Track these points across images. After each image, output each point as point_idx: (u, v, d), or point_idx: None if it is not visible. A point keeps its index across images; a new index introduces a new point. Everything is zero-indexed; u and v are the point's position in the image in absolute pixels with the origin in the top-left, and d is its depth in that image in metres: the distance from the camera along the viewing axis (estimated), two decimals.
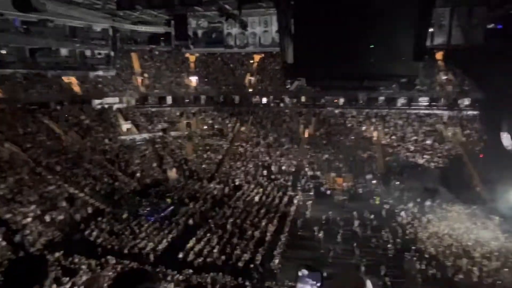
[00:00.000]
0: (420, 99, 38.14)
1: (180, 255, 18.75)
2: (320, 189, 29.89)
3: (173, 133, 39.71)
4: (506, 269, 17.62)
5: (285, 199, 27.51)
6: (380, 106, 39.24)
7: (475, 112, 35.58)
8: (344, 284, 1.96)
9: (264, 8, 21.75)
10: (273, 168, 33.94)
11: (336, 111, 40.20)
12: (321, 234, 21.09)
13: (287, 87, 44.31)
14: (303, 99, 42.09)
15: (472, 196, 26.81)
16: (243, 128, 40.40)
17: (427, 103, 37.92)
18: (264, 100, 43.43)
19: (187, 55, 44.37)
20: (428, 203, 25.99)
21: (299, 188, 30.06)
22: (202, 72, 44.77)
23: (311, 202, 26.90)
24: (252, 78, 44.17)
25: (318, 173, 32.55)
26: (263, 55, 43.92)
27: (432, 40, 26.48)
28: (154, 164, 33.99)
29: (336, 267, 17.36)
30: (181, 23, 21.14)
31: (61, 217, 22.22)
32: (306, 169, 33.36)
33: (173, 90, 43.06)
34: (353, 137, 36.78)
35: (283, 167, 33.99)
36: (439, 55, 37.19)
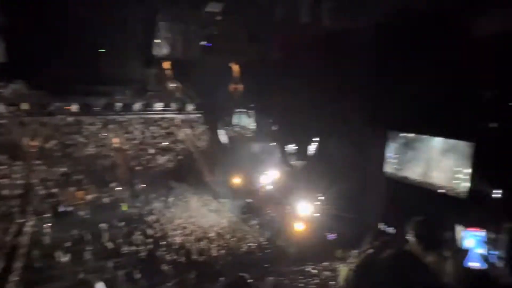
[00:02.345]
0: (155, 104, 40.67)
1: None
2: (59, 207, 26.16)
3: None
4: (234, 239, 22.01)
5: (12, 229, 22.18)
6: (118, 112, 38.69)
7: (199, 115, 41.74)
8: None
9: None
10: None
11: (70, 119, 36.19)
12: (65, 258, 18.58)
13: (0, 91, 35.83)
14: (25, 106, 35.06)
15: (204, 186, 31.50)
16: None
17: (162, 108, 40.96)
18: None
19: None
20: (171, 199, 28.31)
21: (31, 212, 25.00)
22: None
23: (49, 225, 23.05)
24: None
25: (54, 190, 28.28)
26: None
27: (160, 50, 28.94)
28: None
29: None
30: None
31: None
32: (38, 188, 28.22)
33: None
34: (92, 146, 34.42)
35: (5, 191, 27.22)
36: (166, 64, 40.88)
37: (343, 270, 1.18)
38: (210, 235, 22.49)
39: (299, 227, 23.45)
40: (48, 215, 24.88)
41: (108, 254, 19.43)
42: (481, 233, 1.64)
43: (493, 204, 14.94)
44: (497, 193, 15.23)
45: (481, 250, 1.58)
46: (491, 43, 14.41)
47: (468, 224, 1.54)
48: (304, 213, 23.88)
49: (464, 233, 1.62)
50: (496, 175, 14.90)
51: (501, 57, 14.28)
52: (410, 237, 1.95)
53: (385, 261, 1.05)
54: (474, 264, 1.53)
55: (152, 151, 35.92)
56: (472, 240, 1.60)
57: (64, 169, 30.67)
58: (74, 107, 37.04)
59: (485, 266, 1.51)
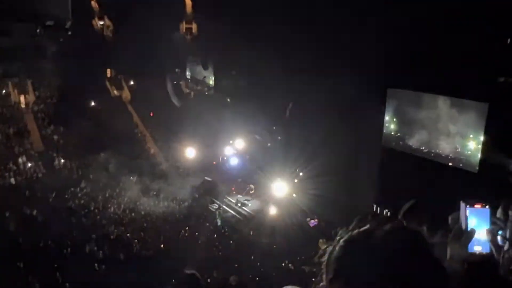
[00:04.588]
0: None
1: None
2: None
3: None
4: (188, 228, 22.34)
5: None
6: (26, 58, 36.56)
7: (139, 65, 40.39)
8: None
9: None
10: None
11: None
12: None
13: None
14: None
15: (147, 160, 30.95)
16: None
17: None
18: None
19: None
20: (101, 178, 27.51)
21: None
22: None
23: None
24: None
25: None
26: None
27: None
28: None
29: None
30: None
31: None
32: None
33: None
34: None
35: None
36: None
37: (327, 249, 1.26)
38: (155, 224, 22.67)
39: (272, 211, 23.86)
40: None
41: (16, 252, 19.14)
42: (486, 211, 1.76)
43: (507, 178, 15.88)
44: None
45: (486, 231, 1.71)
46: None
47: (475, 201, 1.64)
48: (279, 194, 24.22)
49: (469, 211, 1.73)
50: None
51: None
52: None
53: (383, 236, 1.12)
54: (477, 247, 1.65)
55: (72, 112, 34.57)
56: (475, 220, 1.72)
57: None
58: None
59: (487, 249, 1.64)
